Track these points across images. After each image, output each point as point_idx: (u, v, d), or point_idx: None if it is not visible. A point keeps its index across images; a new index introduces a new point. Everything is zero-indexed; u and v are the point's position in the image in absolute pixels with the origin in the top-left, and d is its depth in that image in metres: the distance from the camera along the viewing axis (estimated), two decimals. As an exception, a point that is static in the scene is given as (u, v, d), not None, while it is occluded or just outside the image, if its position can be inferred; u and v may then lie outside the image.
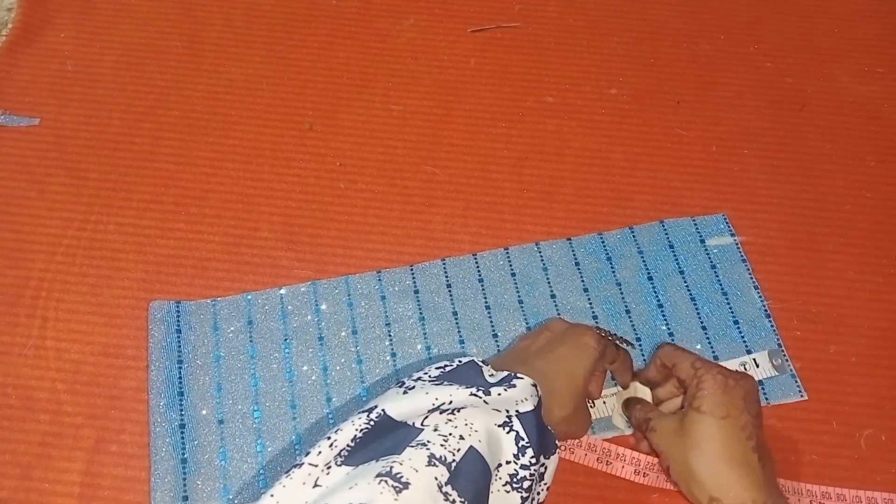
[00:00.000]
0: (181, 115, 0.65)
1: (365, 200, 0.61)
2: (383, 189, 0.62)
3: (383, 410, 0.40)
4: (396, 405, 0.40)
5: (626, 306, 0.57)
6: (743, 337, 0.56)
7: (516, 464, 0.39)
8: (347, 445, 0.38)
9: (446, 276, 0.58)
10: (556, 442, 0.42)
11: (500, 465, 0.39)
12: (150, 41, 0.69)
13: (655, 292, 0.57)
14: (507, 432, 0.40)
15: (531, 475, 0.40)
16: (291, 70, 0.68)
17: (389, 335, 0.55)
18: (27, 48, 0.68)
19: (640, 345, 0.55)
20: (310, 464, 0.37)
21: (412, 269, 0.58)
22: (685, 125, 0.66)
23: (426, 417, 0.39)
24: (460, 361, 0.43)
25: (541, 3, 0.73)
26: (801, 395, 0.53)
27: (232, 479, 0.50)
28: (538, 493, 0.42)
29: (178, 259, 0.58)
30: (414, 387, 0.41)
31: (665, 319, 0.56)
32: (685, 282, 0.58)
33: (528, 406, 0.41)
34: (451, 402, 0.40)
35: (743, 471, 0.43)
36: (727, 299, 0.57)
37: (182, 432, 0.51)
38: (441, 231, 0.60)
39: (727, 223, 0.60)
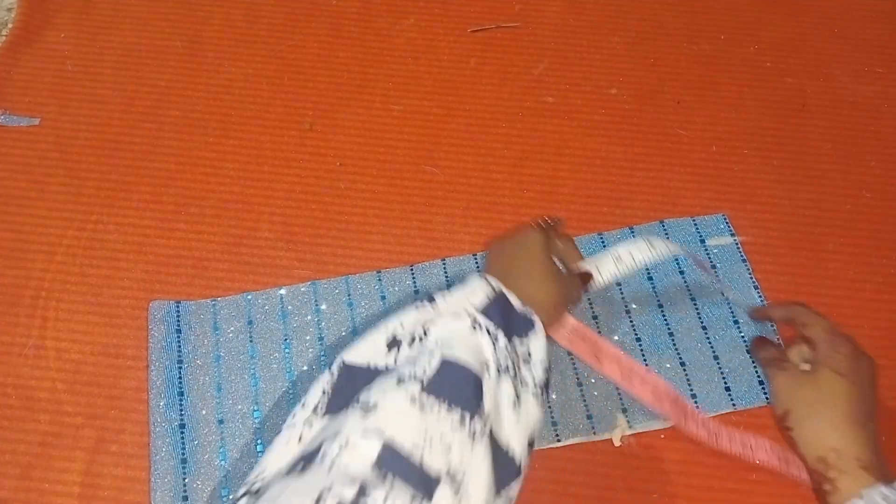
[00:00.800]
0: (181, 115, 0.65)
1: (365, 200, 0.61)
2: (383, 189, 0.62)
3: (343, 361, 0.41)
4: (353, 351, 0.41)
5: (626, 306, 0.57)
6: (743, 337, 0.56)
7: (496, 354, 0.41)
8: (321, 401, 0.39)
9: (446, 276, 0.58)
10: (533, 318, 0.44)
11: (487, 364, 0.40)
12: (150, 41, 0.69)
13: (655, 292, 0.57)
14: (478, 330, 0.41)
15: (510, 358, 0.41)
16: (291, 70, 0.68)
17: (389, 335, 0.55)
18: (27, 48, 0.68)
19: (640, 345, 0.55)
20: (288, 426, 0.39)
21: (412, 269, 0.58)
22: (685, 125, 0.66)
23: (396, 355, 0.41)
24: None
25: (541, 3, 0.73)
26: (801, 395, 0.53)
27: (232, 479, 0.50)
28: (533, 375, 0.43)
29: (178, 259, 0.58)
30: (368, 331, 0.43)
31: (665, 319, 0.56)
32: (685, 282, 0.58)
33: (480, 297, 0.43)
34: (402, 327, 0.42)
35: (863, 432, 0.46)
36: (727, 299, 0.57)
37: (182, 432, 0.51)
38: (441, 231, 0.60)
39: (727, 223, 0.60)
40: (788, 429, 0.49)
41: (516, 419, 0.40)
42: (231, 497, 0.49)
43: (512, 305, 0.44)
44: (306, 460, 0.36)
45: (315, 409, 0.39)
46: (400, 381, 0.38)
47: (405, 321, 0.42)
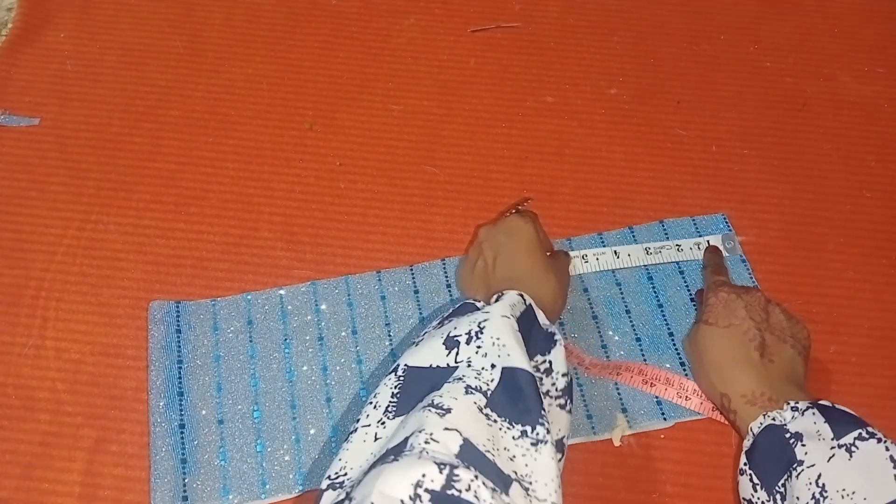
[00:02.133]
0: (181, 115, 0.65)
1: (365, 200, 0.61)
2: (383, 189, 0.62)
3: (406, 365, 0.43)
4: (414, 357, 0.43)
5: (626, 306, 0.57)
6: (743, 337, 0.56)
7: None
8: (390, 402, 0.41)
9: (446, 276, 0.58)
10: (554, 334, 0.46)
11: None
12: (150, 41, 0.69)
13: (655, 292, 0.57)
14: None
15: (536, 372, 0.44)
16: (291, 70, 0.68)
17: (389, 335, 0.55)
18: (27, 48, 0.68)
19: (639, 345, 0.55)
20: (363, 426, 0.41)
21: (412, 269, 0.58)
22: (685, 125, 0.66)
23: (457, 353, 0.43)
24: (454, 307, 0.48)
25: (541, 3, 0.73)
26: (801, 395, 0.53)
27: (232, 479, 0.50)
28: (552, 384, 0.45)
29: (178, 259, 0.58)
30: (423, 339, 0.45)
31: (665, 319, 0.56)
32: (685, 282, 0.58)
33: (519, 310, 0.46)
34: (456, 328, 0.44)
35: (744, 367, 0.48)
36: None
37: (182, 432, 0.51)
38: (441, 231, 0.60)
39: (727, 223, 0.60)
40: (696, 381, 0.53)
41: None
42: (231, 497, 0.49)
43: (537, 321, 0.47)
44: (395, 452, 0.37)
45: (386, 410, 0.41)
46: (468, 389, 0.40)
47: (458, 325, 0.44)
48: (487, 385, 0.41)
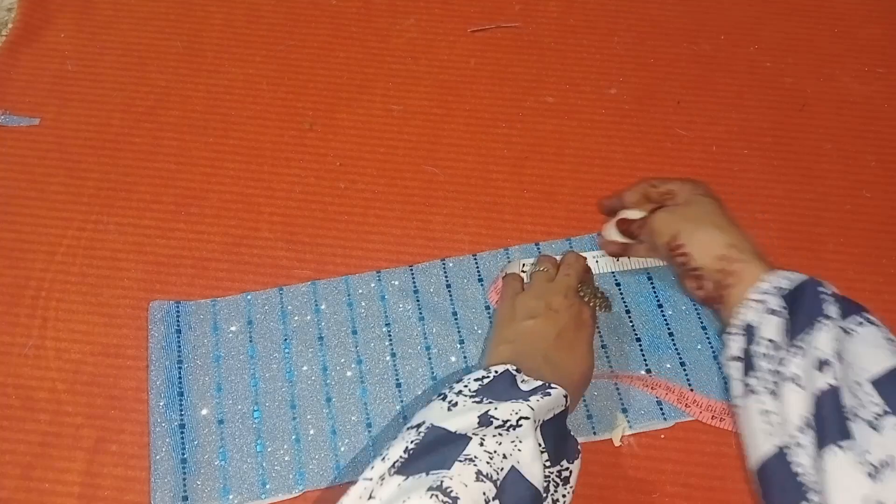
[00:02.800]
0: (181, 115, 0.65)
1: (365, 200, 0.61)
2: (383, 189, 0.62)
3: (431, 424, 0.41)
4: (445, 421, 0.41)
5: (626, 306, 0.57)
6: (743, 337, 0.56)
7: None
8: (400, 457, 0.39)
9: (446, 276, 0.58)
10: (579, 447, 0.45)
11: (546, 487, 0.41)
12: (150, 41, 0.69)
13: (655, 292, 0.57)
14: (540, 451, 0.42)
15: (549, 476, 0.42)
16: (291, 70, 0.68)
17: (389, 335, 0.55)
18: (27, 48, 0.68)
19: (639, 345, 0.55)
20: (364, 478, 0.39)
21: (412, 269, 0.58)
22: (685, 125, 0.66)
23: (485, 431, 0.40)
24: (496, 372, 0.45)
25: (541, 3, 0.73)
26: (801, 395, 0.53)
27: (232, 479, 0.50)
28: (563, 496, 0.43)
29: (178, 259, 0.58)
30: (457, 403, 0.43)
31: (665, 319, 0.56)
32: (685, 282, 0.58)
33: (549, 415, 0.43)
34: (496, 409, 0.42)
35: (744, 233, 0.52)
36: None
37: (182, 432, 0.51)
38: (441, 231, 0.60)
39: (727, 223, 0.60)
40: (679, 247, 0.51)
41: None
42: (231, 497, 0.49)
43: (564, 420, 0.45)
44: None
45: (393, 465, 0.39)
46: (479, 476, 0.38)
47: (500, 409, 0.42)
48: (497, 474, 0.39)
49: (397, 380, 0.54)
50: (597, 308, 0.52)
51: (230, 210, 0.61)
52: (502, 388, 0.44)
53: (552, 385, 0.44)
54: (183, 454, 0.50)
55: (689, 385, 0.53)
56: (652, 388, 0.53)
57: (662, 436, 0.52)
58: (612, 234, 0.57)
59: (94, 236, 0.59)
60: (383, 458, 0.40)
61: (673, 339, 0.55)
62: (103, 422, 0.52)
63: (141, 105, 0.66)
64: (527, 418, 0.41)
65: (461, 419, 0.41)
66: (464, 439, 0.40)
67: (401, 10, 0.72)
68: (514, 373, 0.45)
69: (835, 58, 0.70)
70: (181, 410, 0.52)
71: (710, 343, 0.55)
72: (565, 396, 0.44)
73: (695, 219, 0.52)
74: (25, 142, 0.63)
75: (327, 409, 0.52)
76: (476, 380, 0.45)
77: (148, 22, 0.70)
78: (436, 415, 0.42)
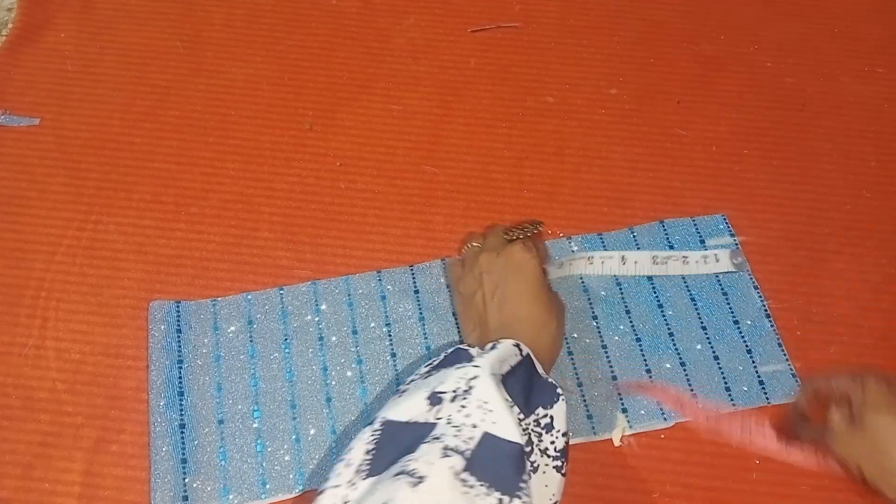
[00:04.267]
0: (181, 115, 0.65)
1: (365, 200, 0.61)
2: (383, 189, 0.62)
3: (385, 418, 0.41)
4: (395, 410, 0.41)
5: (626, 306, 0.57)
6: (743, 337, 0.56)
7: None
8: (364, 460, 0.39)
9: (446, 277, 0.58)
10: (558, 391, 0.44)
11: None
12: (150, 41, 0.69)
13: (655, 292, 0.57)
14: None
15: (527, 429, 0.42)
16: (291, 70, 0.68)
17: (389, 335, 0.55)
18: (27, 48, 0.68)
19: (639, 345, 0.55)
20: (332, 487, 0.38)
21: (412, 269, 0.58)
22: (685, 125, 0.66)
23: (439, 410, 0.40)
24: (447, 352, 0.45)
25: (541, 3, 0.73)
26: (801, 395, 0.53)
27: (232, 479, 0.50)
28: (551, 443, 0.43)
29: (178, 259, 0.58)
30: (408, 389, 0.43)
31: (665, 319, 0.56)
32: (685, 282, 0.58)
33: (505, 367, 0.43)
34: (443, 384, 0.41)
35: None
36: (727, 299, 0.57)
37: (182, 432, 0.51)
38: (441, 231, 0.60)
39: (727, 223, 0.60)
40: (869, 483, 0.47)
41: (538, 489, 0.41)
42: (231, 497, 0.49)
43: (537, 371, 0.45)
44: None
45: (358, 468, 0.39)
46: (446, 451, 0.38)
47: (445, 379, 0.42)
48: (467, 444, 0.38)
49: (397, 380, 0.54)
50: (527, 235, 0.51)
51: (230, 210, 0.61)
52: (452, 362, 0.43)
53: (498, 340, 0.44)
54: (183, 454, 0.50)
55: (690, 386, 0.53)
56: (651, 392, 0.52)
57: (662, 436, 0.52)
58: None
59: (94, 236, 0.59)
60: (347, 464, 0.39)
61: (673, 339, 0.55)
62: (103, 422, 0.52)
63: (141, 105, 0.66)
64: (476, 377, 0.41)
65: (410, 403, 0.41)
66: (427, 426, 0.39)
67: (401, 10, 0.72)
68: (466, 348, 0.44)
69: (835, 58, 0.70)
70: (181, 410, 0.52)
71: (710, 343, 0.55)
72: (516, 345, 0.44)
73: (871, 454, 0.46)
74: (25, 142, 0.63)
75: (327, 409, 0.52)
76: (427, 364, 0.45)
77: (148, 22, 0.70)
78: (389, 406, 0.42)
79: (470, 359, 0.43)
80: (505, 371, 0.43)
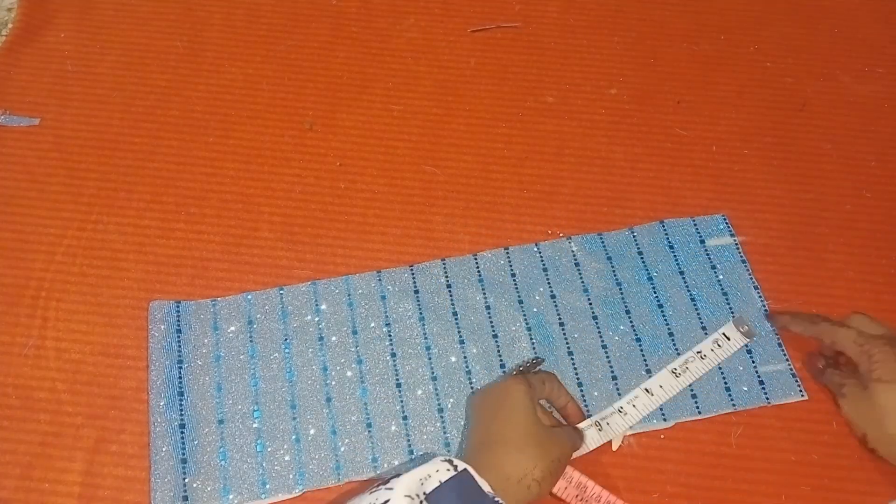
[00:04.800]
0: (181, 115, 0.65)
1: (365, 200, 0.61)
2: (383, 189, 0.62)
3: None
4: None
5: (626, 306, 0.57)
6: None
7: None
8: None
9: (446, 276, 0.58)
10: (500, 501, 0.41)
11: None
12: (150, 41, 0.69)
13: (655, 292, 0.57)
14: None
15: None
16: (291, 70, 0.68)
17: (389, 335, 0.55)
18: (27, 48, 0.68)
19: (639, 345, 0.55)
20: None
21: (412, 269, 0.58)
22: (685, 125, 0.66)
23: None
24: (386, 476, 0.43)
25: (541, 3, 0.73)
26: (802, 395, 0.53)
27: (232, 479, 0.50)
28: None
29: (178, 259, 0.58)
30: None
31: (665, 319, 0.56)
32: (685, 282, 0.58)
33: (433, 483, 0.41)
34: None
35: None
36: (727, 299, 0.57)
37: (182, 432, 0.51)
38: (441, 231, 0.60)
39: (727, 223, 0.60)
40: (873, 450, 0.50)
41: None
42: (231, 497, 0.49)
43: (479, 489, 0.41)
44: None
45: None
46: None
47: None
48: None
49: (397, 380, 0.54)
50: (521, 372, 0.50)
51: (230, 210, 0.61)
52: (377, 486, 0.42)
53: (429, 458, 0.42)
54: (183, 454, 0.50)
55: (690, 386, 0.53)
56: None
57: (662, 436, 0.52)
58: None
59: (94, 236, 0.59)
60: None
61: (673, 339, 0.55)
62: (103, 422, 0.52)
63: (141, 105, 0.66)
64: (387, 501, 0.39)
65: None
66: None
67: (401, 10, 0.72)
68: (401, 472, 0.42)
69: (835, 58, 0.70)
70: (181, 410, 0.52)
71: (710, 343, 0.55)
72: (446, 461, 0.42)
73: (877, 421, 0.48)
74: (25, 142, 0.63)
75: (327, 409, 0.52)
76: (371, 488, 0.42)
77: (148, 22, 0.70)
78: None
79: (388, 482, 0.41)
80: (430, 489, 0.40)
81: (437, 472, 0.41)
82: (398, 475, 0.41)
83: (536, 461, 0.44)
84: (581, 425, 0.51)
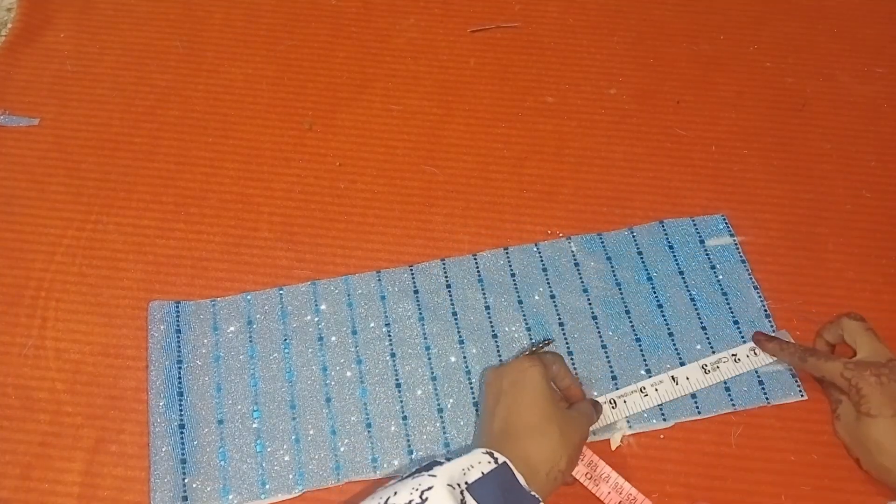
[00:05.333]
0: (181, 115, 0.65)
1: (365, 200, 0.61)
2: (383, 189, 0.62)
3: None
4: None
5: (625, 306, 0.57)
6: (743, 337, 0.56)
7: None
8: None
9: (446, 276, 0.58)
10: (537, 496, 0.42)
11: None
12: (150, 41, 0.69)
13: (655, 292, 0.57)
14: None
15: None
16: (291, 70, 0.68)
17: (389, 335, 0.55)
18: (27, 48, 0.68)
19: (639, 345, 0.55)
20: None
21: (412, 269, 0.58)
22: (685, 125, 0.66)
23: None
24: (421, 463, 0.43)
25: (541, 3, 0.73)
26: (802, 395, 0.53)
27: (232, 479, 0.50)
28: None
29: (178, 259, 0.58)
30: (367, 501, 0.41)
31: (665, 319, 0.56)
32: (685, 282, 0.58)
33: (475, 474, 0.41)
34: (396, 494, 0.40)
35: None
36: (727, 299, 0.57)
37: (182, 432, 0.51)
38: (441, 231, 0.60)
39: (726, 223, 0.60)
40: (867, 472, 0.50)
41: None
42: (231, 497, 0.49)
43: (517, 482, 0.42)
44: None
45: None
46: None
47: (400, 490, 0.40)
48: None
49: (397, 380, 0.54)
50: (533, 351, 0.51)
51: (230, 210, 0.61)
52: (424, 468, 0.42)
53: (471, 450, 0.43)
54: (183, 454, 0.50)
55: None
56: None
57: (662, 436, 0.52)
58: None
59: (94, 236, 0.59)
60: None
61: (673, 340, 0.55)
62: (103, 422, 0.52)
63: (141, 105, 0.66)
64: (430, 488, 0.39)
65: None
66: None
67: (401, 10, 0.72)
68: (441, 459, 0.43)
69: (835, 58, 0.70)
70: (181, 410, 0.52)
71: (709, 343, 0.55)
72: (487, 453, 0.42)
73: (867, 450, 0.48)
74: (25, 142, 0.63)
75: (327, 409, 0.52)
76: (406, 473, 0.43)
77: (148, 22, 0.70)
78: None
79: (431, 468, 0.41)
80: (472, 480, 0.41)
81: (479, 464, 0.42)
82: (439, 462, 0.42)
83: (562, 452, 0.45)
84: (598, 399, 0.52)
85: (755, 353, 0.54)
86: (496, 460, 0.42)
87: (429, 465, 0.42)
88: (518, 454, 0.43)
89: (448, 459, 0.43)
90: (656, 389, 0.53)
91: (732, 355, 0.54)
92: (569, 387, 0.50)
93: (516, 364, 0.48)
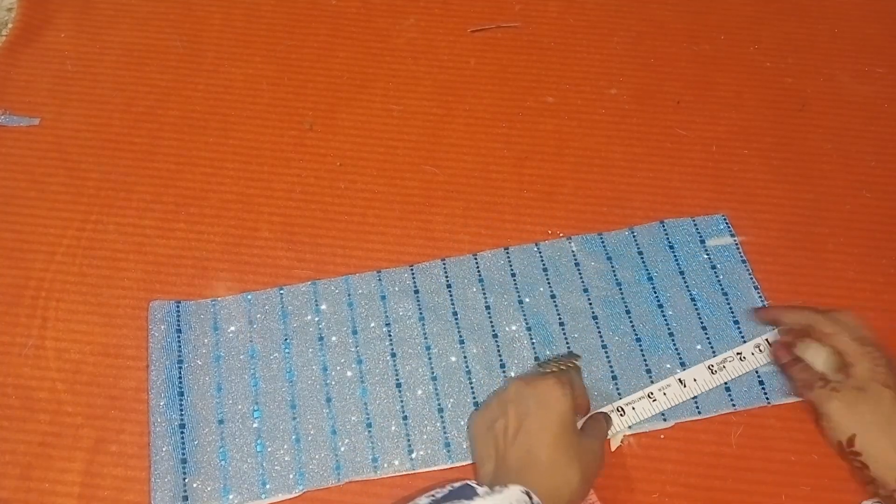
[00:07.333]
0: (181, 115, 0.65)
1: (365, 200, 0.61)
2: (383, 189, 0.62)
3: None
4: None
5: (626, 306, 0.57)
6: (743, 337, 0.56)
7: None
8: None
9: (446, 276, 0.58)
10: None
11: None
12: (150, 41, 0.69)
13: (655, 292, 0.57)
14: None
15: None
16: (291, 70, 0.68)
17: (389, 335, 0.55)
18: (27, 48, 0.68)
19: (639, 345, 0.55)
20: None
21: (412, 269, 0.58)
22: (685, 125, 0.66)
23: None
24: (453, 485, 0.43)
25: (541, 3, 0.73)
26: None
27: (232, 479, 0.50)
28: None
29: (178, 259, 0.58)
30: None
31: (665, 319, 0.56)
32: (685, 282, 0.58)
33: None
34: None
35: None
36: (727, 299, 0.57)
37: (182, 432, 0.51)
38: (441, 231, 0.60)
39: (727, 223, 0.60)
40: (856, 454, 0.48)
41: None
42: (231, 497, 0.49)
43: None
44: None
45: None
46: None
47: None
48: None
49: (397, 380, 0.54)
50: (561, 370, 0.49)
51: (230, 210, 0.61)
52: (456, 497, 0.41)
53: (506, 485, 0.42)
54: (183, 454, 0.50)
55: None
56: None
57: (662, 436, 0.52)
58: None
59: (94, 236, 0.59)
60: None
61: (673, 340, 0.55)
62: (103, 422, 0.52)
63: (141, 105, 0.66)
64: None
65: None
66: None
67: (401, 10, 0.72)
68: (474, 485, 0.42)
69: (835, 58, 0.70)
70: (181, 410, 0.52)
71: (709, 343, 0.55)
72: (525, 492, 0.41)
73: (874, 423, 0.47)
74: (25, 142, 0.63)
75: (327, 409, 0.52)
76: (428, 495, 0.43)
77: (148, 22, 0.70)
78: None
79: (471, 497, 0.41)
80: None
81: (517, 503, 0.41)
82: (471, 486, 0.41)
83: (580, 492, 0.45)
84: (606, 409, 0.52)
85: (760, 350, 0.54)
86: (531, 501, 0.41)
87: (465, 491, 0.41)
88: (542, 492, 0.43)
89: (479, 485, 0.42)
90: (664, 394, 0.53)
91: (738, 353, 0.54)
92: (579, 396, 0.50)
93: (544, 385, 0.47)
